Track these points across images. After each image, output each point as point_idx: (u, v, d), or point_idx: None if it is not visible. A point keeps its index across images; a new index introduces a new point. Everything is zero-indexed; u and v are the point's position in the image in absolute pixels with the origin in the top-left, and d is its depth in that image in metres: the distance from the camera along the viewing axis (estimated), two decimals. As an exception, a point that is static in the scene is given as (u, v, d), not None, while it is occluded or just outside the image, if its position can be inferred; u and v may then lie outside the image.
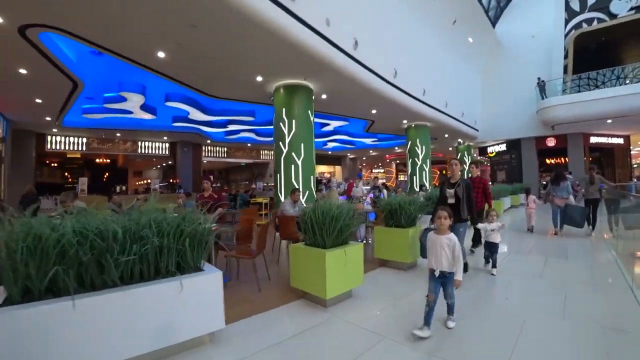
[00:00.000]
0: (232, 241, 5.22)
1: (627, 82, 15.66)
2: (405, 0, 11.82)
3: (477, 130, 19.90)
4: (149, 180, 22.42)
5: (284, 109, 8.89)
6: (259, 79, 8.71)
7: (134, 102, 11.19)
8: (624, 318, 3.27)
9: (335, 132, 18.48)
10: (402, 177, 29.68)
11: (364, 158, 30.48)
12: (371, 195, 9.29)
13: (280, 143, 8.90)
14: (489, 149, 22.56)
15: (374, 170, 33.09)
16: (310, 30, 7.02)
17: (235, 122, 14.73)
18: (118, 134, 16.12)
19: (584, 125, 17.16)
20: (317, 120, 15.01)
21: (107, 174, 23.47)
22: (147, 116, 12.80)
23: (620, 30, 18.31)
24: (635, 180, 18.70)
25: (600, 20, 18.41)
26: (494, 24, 21.06)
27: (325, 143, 21.20)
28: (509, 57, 20.72)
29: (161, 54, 7.18)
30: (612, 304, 3.68)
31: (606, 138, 19.19)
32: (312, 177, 9.07)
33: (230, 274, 4.91)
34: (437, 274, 2.95)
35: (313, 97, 9.49)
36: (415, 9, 12.56)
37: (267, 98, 9.80)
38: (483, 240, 5.28)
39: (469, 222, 4.71)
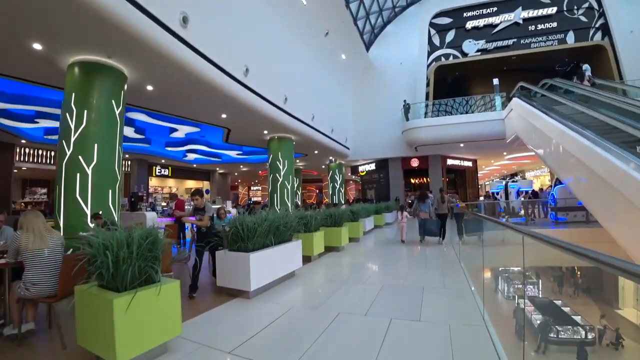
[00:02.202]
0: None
1: (475, 111, 17.28)
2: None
3: (348, 149, 19.73)
4: None
5: (74, 94, 6.38)
6: (38, 47, 6.11)
7: None
8: None
9: (190, 140, 16.07)
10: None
11: (236, 174, 28.19)
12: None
13: (64, 142, 6.24)
14: (360, 168, 22.86)
15: (252, 188, 31.23)
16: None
17: (47, 116, 11.13)
18: None
19: (442, 147, 18.34)
20: (160, 123, 12.60)
21: None
22: None
23: (470, 67, 20.57)
24: (482, 198, 20.72)
25: (455, 56, 20.34)
26: (367, 47, 21.86)
27: (184, 154, 18.49)
28: (379, 80, 21.42)
29: None
30: None
31: (459, 161, 21.09)
32: (111, 192, 6.64)
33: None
34: None
35: (126, 86, 7.19)
36: (282, 10, 11.45)
37: (63, 80, 7.10)
38: None
39: None
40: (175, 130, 13.96)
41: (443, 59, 20.38)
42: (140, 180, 19.23)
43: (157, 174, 21.15)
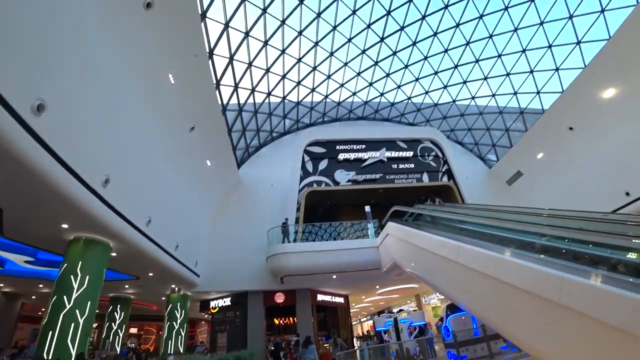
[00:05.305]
0: None
1: (347, 238, 15.87)
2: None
3: (198, 276, 15.46)
4: None
5: None
6: None
7: None
8: None
9: None
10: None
11: (34, 297, 18.57)
12: None
13: None
14: (212, 303, 18.05)
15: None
16: None
17: None
18: None
19: (312, 280, 15.77)
20: None
21: None
22: None
23: (342, 195, 20.25)
24: (357, 341, 17.84)
25: (327, 184, 19.90)
26: (239, 164, 20.21)
27: None
28: (246, 200, 19.46)
29: None
30: None
31: (331, 297, 18.66)
32: None
33: None
34: None
35: None
36: (129, 59, 8.76)
37: None
38: None
39: None
40: None
41: (315, 185, 19.67)
42: None
43: None
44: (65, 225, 8.54)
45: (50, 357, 7.87)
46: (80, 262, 8.87)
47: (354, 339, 19.64)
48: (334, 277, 15.41)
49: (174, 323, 15.23)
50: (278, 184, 19.70)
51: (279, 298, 16.41)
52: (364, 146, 21.04)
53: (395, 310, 22.26)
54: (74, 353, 8.20)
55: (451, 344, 10.42)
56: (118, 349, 14.98)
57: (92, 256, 9.21)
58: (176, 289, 15.44)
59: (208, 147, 14.59)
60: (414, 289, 22.00)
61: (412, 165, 20.94)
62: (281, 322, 17.31)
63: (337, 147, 20.84)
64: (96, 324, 21.44)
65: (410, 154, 21.21)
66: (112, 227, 8.71)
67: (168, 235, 12.01)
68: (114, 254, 10.24)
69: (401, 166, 20.86)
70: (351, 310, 22.01)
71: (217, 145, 15.24)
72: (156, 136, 10.82)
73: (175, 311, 15.47)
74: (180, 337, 15.11)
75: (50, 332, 8.12)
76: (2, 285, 16.51)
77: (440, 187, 20.68)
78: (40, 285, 15.87)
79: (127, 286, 15.24)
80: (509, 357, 9.74)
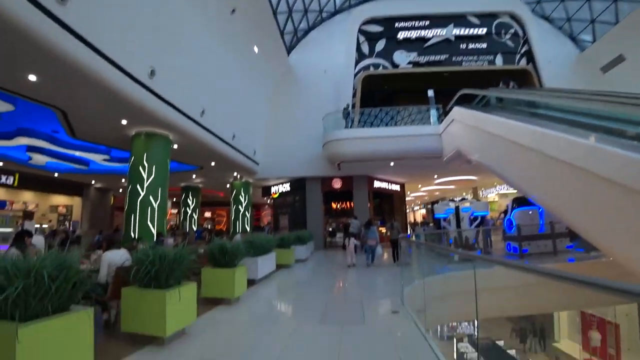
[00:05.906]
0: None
1: (407, 124, 14.97)
2: None
3: (257, 164, 16.00)
4: None
5: None
6: None
7: None
8: None
9: (20, 130, 10.73)
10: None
11: (121, 190, 21.79)
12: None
13: None
14: (273, 189, 19.02)
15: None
16: None
17: None
18: None
19: (369, 166, 15.67)
20: None
21: None
22: None
23: (401, 79, 18.55)
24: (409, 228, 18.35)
25: (385, 67, 18.25)
26: (288, 51, 18.88)
27: (27, 156, 12.82)
28: (299, 88, 18.61)
29: None
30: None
31: (387, 184, 18.75)
32: None
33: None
34: None
35: None
36: None
37: None
38: None
39: None
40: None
41: (372, 68, 18.13)
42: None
43: (-5, 181, 15.18)
44: (124, 122, 8.72)
45: (136, 236, 8.89)
46: (145, 155, 9.28)
47: (408, 226, 20.23)
48: (392, 164, 15.08)
49: (239, 207, 16.58)
50: (331, 70, 18.40)
51: (337, 184, 16.80)
52: (427, 22, 18.39)
53: (457, 199, 22.05)
54: (154, 232, 9.15)
55: (513, 237, 10.09)
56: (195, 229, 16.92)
57: (154, 148, 9.55)
58: (238, 176, 16.29)
59: (253, 32, 13.35)
60: (473, 182, 21.34)
61: (485, 45, 18.18)
62: (338, 206, 18.07)
63: (396, 24, 18.45)
64: (176, 210, 24.65)
65: (483, 31, 18.24)
66: (166, 118, 8.68)
67: (223, 125, 11.99)
68: (175, 146, 10.57)
69: (471, 46, 18.23)
70: (406, 199, 22.28)
71: (262, 30, 13.95)
72: (196, 22, 9.83)
73: (240, 196, 16.69)
74: (245, 218, 16.57)
75: (132, 216, 8.99)
76: (93, 181, 18.89)
77: (515, 72, 17.67)
78: (123, 180, 17.67)
79: (194, 176, 16.29)
80: (573, 257, 9.33)
